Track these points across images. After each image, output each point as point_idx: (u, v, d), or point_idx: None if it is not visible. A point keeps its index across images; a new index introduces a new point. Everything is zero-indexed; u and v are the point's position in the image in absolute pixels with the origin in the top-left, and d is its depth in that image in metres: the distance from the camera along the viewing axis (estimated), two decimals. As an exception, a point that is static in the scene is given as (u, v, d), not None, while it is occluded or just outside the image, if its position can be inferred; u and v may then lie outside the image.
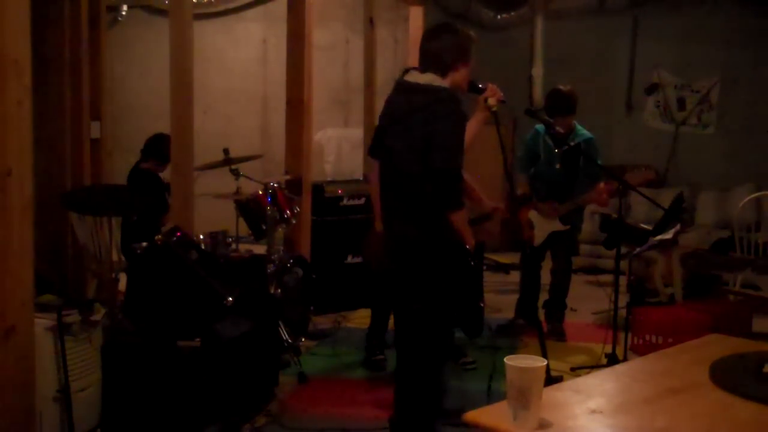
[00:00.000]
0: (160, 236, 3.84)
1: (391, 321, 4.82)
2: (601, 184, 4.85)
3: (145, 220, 5.14)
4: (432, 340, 3.09)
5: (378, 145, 3.17)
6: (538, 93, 8.94)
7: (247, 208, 4.72)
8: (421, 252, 3.00)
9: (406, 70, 3.08)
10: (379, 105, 3.31)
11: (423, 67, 3.01)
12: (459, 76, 3.04)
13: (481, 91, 3.15)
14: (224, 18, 8.95)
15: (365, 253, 4.77)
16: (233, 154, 4.83)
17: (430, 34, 3.07)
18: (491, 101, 3.13)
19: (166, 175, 5.35)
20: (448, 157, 2.88)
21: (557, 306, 5.30)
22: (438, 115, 2.88)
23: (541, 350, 3.24)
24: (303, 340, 4.95)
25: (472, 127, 3.19)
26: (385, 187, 3.13)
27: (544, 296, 5.38)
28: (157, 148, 5.49)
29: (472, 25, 9.26)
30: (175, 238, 3.81)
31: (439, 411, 3.23)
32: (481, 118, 3.20)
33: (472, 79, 3.14)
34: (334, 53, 8.76)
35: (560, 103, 5.01)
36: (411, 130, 2.94)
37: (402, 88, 3.04)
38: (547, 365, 3.32)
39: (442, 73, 2.98)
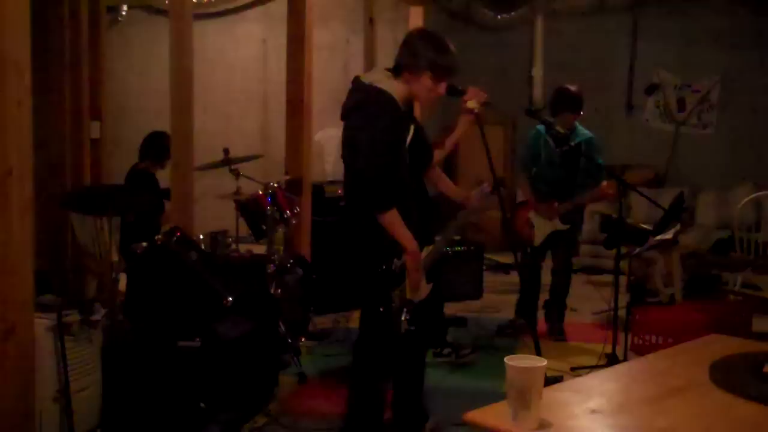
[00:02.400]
0: (160, 236, 3.84)
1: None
2: (605, 182, 4.85)
3: (143, 220, 5.14)
4: (366, 336, 3.13)
5: None
6: (538, 93, 8.95)
7: (247, 208, 4.72)
8: (351, 249, 3.08)
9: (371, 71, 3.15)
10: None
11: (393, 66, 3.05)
12: (417, 86, 2.99)
13: (461, 93, 3.12)
14: (224, 18, 8.95)
15: None
16: (233, 154, 4.82)
17: (409, 34, 3.10)
18: (471, 104, 3.10)
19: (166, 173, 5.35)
20: (366, 156, 2.89)
21: (557, 306, 5.30)
22: (361, 115, 2.94)
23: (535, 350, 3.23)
24: (303, 340, 4.95)
25: (456, 131, 3.22)
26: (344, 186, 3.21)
27: (544, 296, 5.38)
28: (152, 147, 5.49)
29: (473, 25, 9.28)
30: (175, 238, 3.81)
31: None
32: (464, 121, 3.18)
33: (450, 84, 3.11)
34: (334, 53, 8.76)
35: (567, 101, 5.01)
36: (345, 131, 3.03)
37: (353, 88, 3.08)
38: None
39: (396, 72, 3.01)
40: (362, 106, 2.96)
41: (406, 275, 2.99)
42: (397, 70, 3.02)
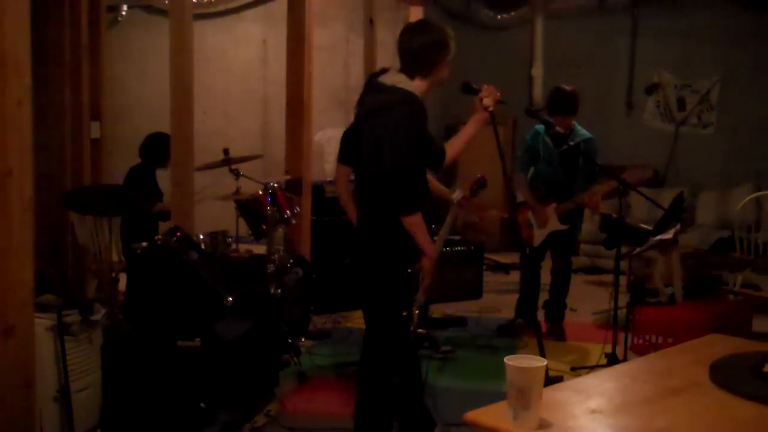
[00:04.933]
0: (160, 236, 3.84)
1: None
2: (596, 186, 4.86)
3: (143, 220, 5.15)
4: (383, 340, 3.09)
5: (345, 151, 3.21)
6: (538, 93, 8.95)
7: (247, 208, 4.72)
8: (372, 253, 3.04)
9: (383, 70, 3.10)
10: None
11: (400, 67, 3.03)
12: (440, 75, 3.02)
13: (476, 91, 3.12)
14: (224, 18, 8.95)
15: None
16: (233, 154, 4.83)
17: (406, 33, 3.07)
18: (487, 101, 3.10)
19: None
20: (394, 158, 2.85)
21: (557, 306, 5.30)
22: (391, 116, 2.90)
23: (539, 350, 3.22)
24: (303, 340, 4.95)
25: (468, 128, 3.19)
26: (357, 189, 3.17)
27: (544, 296, 5.38)
28: (150, 148, 5.51)
29: (473, 25, 9.28)
30: (175, 238, 3.81)
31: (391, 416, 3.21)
32: (479, 119, 3.15)
33: (466, 81, 3.12)
34: (334, 53, 8.76)
35: (562, 103, 5.01)
36: (369, 131, 2.99)
37: (371, 88, 3.07)
38: (546, 365, 3.32)
39: (421, 73, 2.99)
40: (392, 107, 2.92)
41: (420, 279, 3.00)
42: (420, 70, 2.99)
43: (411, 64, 2.99)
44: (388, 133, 2.88)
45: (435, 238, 3.25)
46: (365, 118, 3.04)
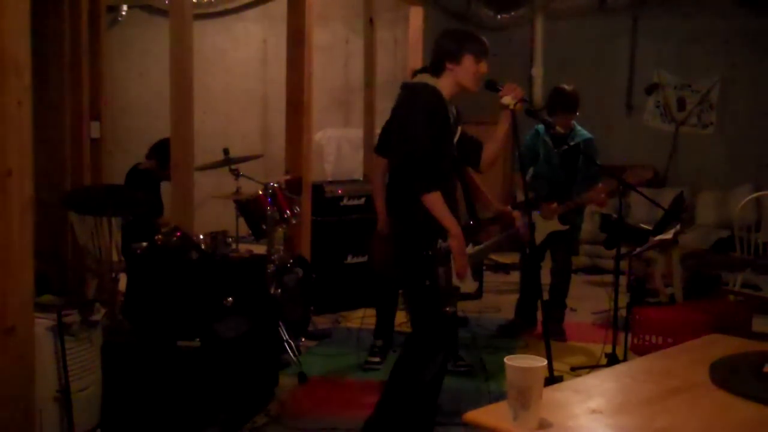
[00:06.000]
0: (160, 236, 3.84)
1: (396, 320, 4.85)
2: (600, 185, 4.86)
3: (144, 220, 5.14)
4: (420, 328, 3.15)
5: (381, 142, 3.36)
6: (538, 93, 8.94)
7: (247, 208, 4.72)
8: (398, 238, 3.14)
9: (417, 72, 3.27)
10: (379, 105, 3.40)
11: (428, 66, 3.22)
12: (460, 74, 3.09)
13: (497, 89, 3.14)
14: (224, 18, 8.96)
15: (369, 253, 4.76)
16: (233, 154, 4.83)
17: (438, 36, 3.24)
18: (507, 99, 3.11)
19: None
20: (407, 140, 2.98)
21: (557, 306, 5.30)
22: (406, 105, 3.08)
23: (546, 350, 3.22)
24: (303, 340, 4.95)
25: (498, 130, 3.22)
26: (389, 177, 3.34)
27: (544, 296, 5.38)
28: (164, 151, 5.51)
29: (472, 25, 9.27)
30: (175, 238, 3.81)
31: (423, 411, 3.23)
32: (504, 118, 3.18)
33: (489, 78, 3.16)
34: (334, 53, 8.76)
35: (562, 101, 5.02)
36: (392, 124, 3.19)
37: (402, 87, 3.24)
38: (551, 365, 3.32)
39: (436, 72, 3.13)
40: (407, 98, 3.10)
41: (451, 259, 3.01)
42: (437, 70, 3.12)
43: (433, 63, 3.15)
44: (398, 123, 3.08)
45: (480, 246, 3.27)
46: (392, 114, 3.23)
